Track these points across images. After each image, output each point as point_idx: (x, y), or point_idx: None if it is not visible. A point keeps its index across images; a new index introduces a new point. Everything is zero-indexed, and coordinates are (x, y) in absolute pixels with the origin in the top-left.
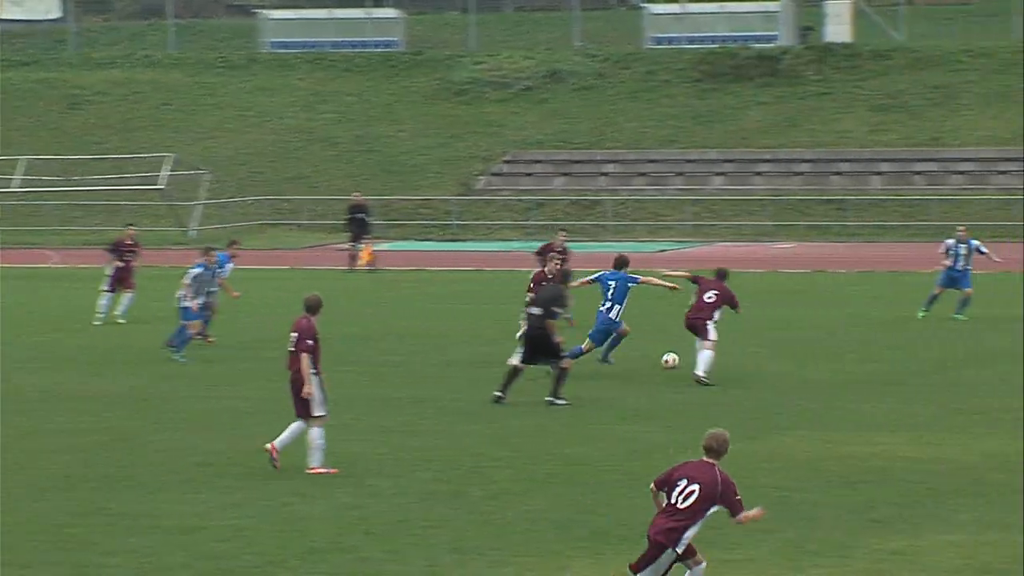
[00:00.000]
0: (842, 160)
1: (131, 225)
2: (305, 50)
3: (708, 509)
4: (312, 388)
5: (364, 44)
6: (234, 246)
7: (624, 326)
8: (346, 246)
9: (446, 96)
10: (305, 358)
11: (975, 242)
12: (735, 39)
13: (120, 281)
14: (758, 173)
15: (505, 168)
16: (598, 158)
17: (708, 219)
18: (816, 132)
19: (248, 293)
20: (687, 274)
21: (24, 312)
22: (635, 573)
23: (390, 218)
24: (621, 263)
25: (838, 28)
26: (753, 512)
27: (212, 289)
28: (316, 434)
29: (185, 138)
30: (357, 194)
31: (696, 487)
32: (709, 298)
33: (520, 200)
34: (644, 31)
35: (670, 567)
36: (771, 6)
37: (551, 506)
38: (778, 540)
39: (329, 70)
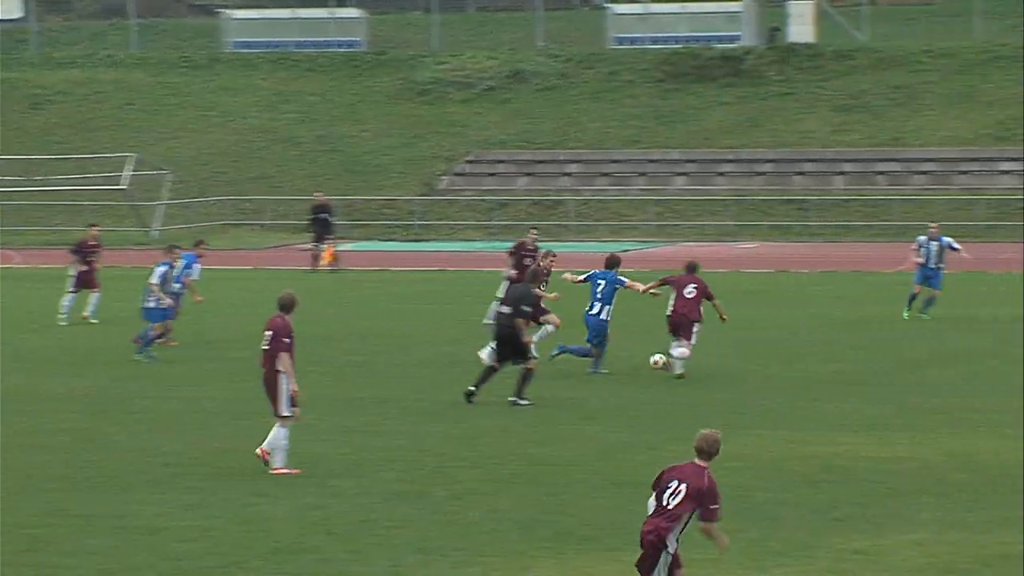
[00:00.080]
0: (805, 160)
1: (94, 225)
2: (268, 50)
3: (693, 510)
4: (295, 386)
5: (327, 44)
6: (201, 246)
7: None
8: (309, 246)
9: (409, 96)
10: (285, 356)
11: (946, 239)
12: (698, 39)
13: (85, 283)
14: (721, 173)
15: (468, 168)
16: (561, 158)
17: (671, 219)
18: (779, 132)
19: (211, 293)
20: (658, 283)
21: None
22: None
23: (353, 218)
24: (612, 263)
25: (801, 28)
26: (720, 534)
27: (176, 288)
28: (280, 434)
29: (147, 138)
30: (320, 194)
31: (684, 487)
32: (690, 293)
33: (483, 200)
34: (607, 31)
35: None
36: (734, 6)
37: (515, 506)
38: (742, 540)
39: (292, 70)
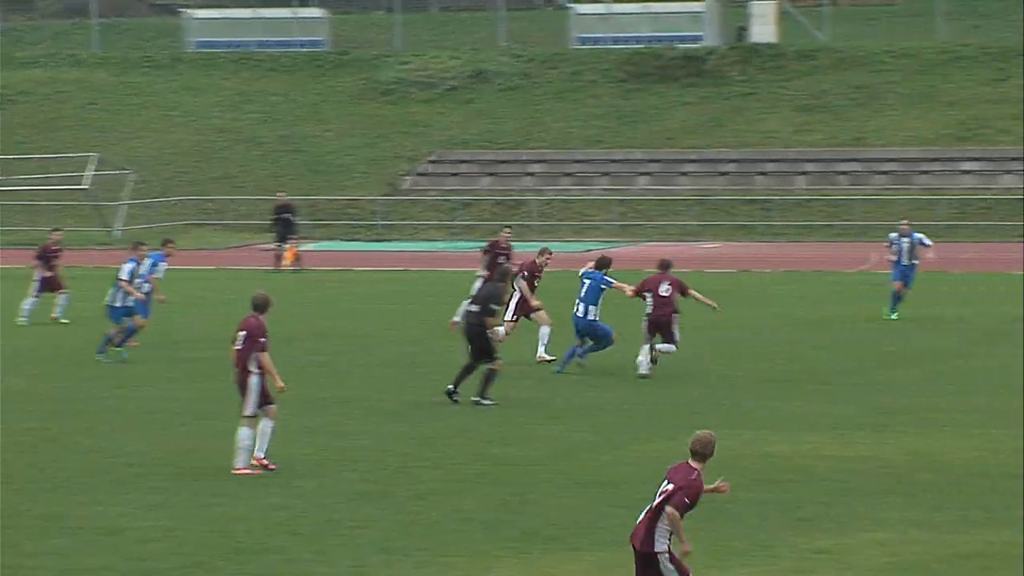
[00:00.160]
0: (767, 160)
1: (57, 230)
2: (230, 50)
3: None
4: (281, 383)
5: (290, 44)
6: (169, 245)
7: (614, 334)
8: (272, 246)
9: (372, 96)
10: (266, 356)
11: (918, 235)
12: (660, 39)
13: (49, 287)
14: (683, 173)
15: (431, 168)
16: (524, 158)
17: (634, 219)
18: (741, 132)
19: (173, 293)
20: (636, 291)
21: None
22: None
23: (316, 218)
24: (601, 264)
25: (763, 29)
26: (682, 533)
27: (145, 288)
28: (245, 435)
29: (110, 138)
30: (282, 194)
31: (671, 486)
32: (665, 291)
33: (446, 200)
34: (570, 31)
35: (680, 567)
36: (696, 7)
37: (479, 506)
38: (704, 539)
39: (255, 70)
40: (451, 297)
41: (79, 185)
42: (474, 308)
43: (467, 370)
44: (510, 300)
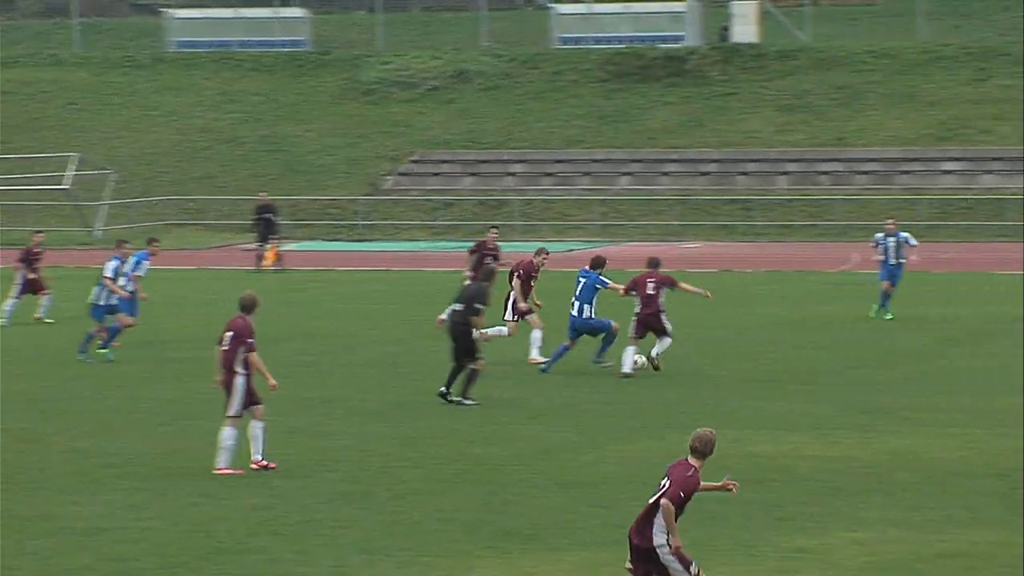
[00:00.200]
0: (748, 160)
1: (40, 232)
2: (212, 49)
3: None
4: (274, 381)
5: (271, 44)
6: (154, 244)
7: (614, 324)
8: (253, 246)
9: (353, 96)
10: (255, 356)
11: (904, 234)
12: (642, 39)
13: (32, 289)
14: (665, 173)
15: (413, 168)
16: (505, 158)
17: (615, 219)
18: (722, 132)
19: (155, 293)
20: (626, 287)
21: None
22: None
23: (297, 218)
24: (595, 263)
25: (744, 29)
26: (674, 527)
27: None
28: (228, 434)
29: (91, 138)
30: (264, 194)
31: (668, 482)
32: (651, 290)
33: (428, 200)
34: (551, 31)
35: (682, 559)
36: (678, 7)
37: (460, 506)
38: (686, 539)
39: (236, 70)
40: (433, 297)
41: (60, 185)
42: (459, 307)
43: (457, 370)
44: (508, 300)
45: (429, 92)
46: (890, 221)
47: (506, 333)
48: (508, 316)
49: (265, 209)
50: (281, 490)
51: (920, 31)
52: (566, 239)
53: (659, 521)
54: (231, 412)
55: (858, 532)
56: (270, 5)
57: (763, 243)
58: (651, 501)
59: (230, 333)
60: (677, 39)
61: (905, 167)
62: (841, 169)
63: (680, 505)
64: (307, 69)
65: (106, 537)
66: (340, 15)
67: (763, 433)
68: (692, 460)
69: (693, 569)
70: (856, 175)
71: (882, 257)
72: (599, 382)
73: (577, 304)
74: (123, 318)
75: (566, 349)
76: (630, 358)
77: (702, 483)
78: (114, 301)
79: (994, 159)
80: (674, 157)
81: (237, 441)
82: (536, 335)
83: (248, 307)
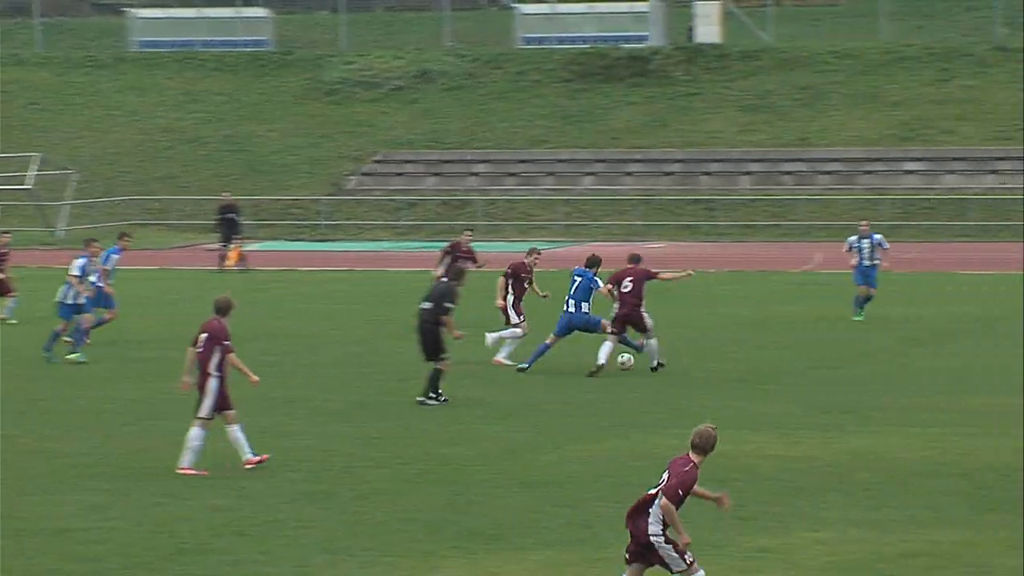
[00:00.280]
0: (711, 160)
1: (6, 232)
2: (174, 49)
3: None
4: (255, 377)
5: (234, 43)
6: (125, 238)
7: (603, 321)
8: (216, 246)
9: (316, 96)
10: (234, 356)
11: (877, 236)
12: (605, 39)
13: (0, 291)
14: (628, 173)
15: (376, 168)
16: (468, 158)
17: (579, 219)
18: (686, 132)
19: (118, 293)
20: (610, 287)
21: None
22: None
23: (260, 218)
24: (591, 263)
25: (707, 29)
26: (679, 524)
27: (101, 284)
28: (195, 435)
29: (53, 137)
30: (227, 194)
31: (667, 475)
32: (626, 287)
33: (391, 200)
34: (515, 31)
35: (675, 548)
36: (641, 7)
37: (423, 506)
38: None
39: (198, 69)
40: (396, 297)
41: (22, 185)
42: (427, 306)
43: (437, 375)
44: (509, 303)
45: (392, 92)
46: (864, 223)
47: (520, 334)
48: (515, 318)
49: (228, 209)
50: (244, 490)
51: (883, 31)
52: (530, 239)
53: (655, 512)
54: (202, 414)
55: (820, 532)
56: (233, 5)
57: (726, 243)
58: (650, 492)
59: (205, 335)
60: (641, 39)
61: (868, 167)
62: (804, 169)
63: (679, 502)
64: (270, 69)
65: (70, 537)
66: (303, 15)
67: (725, 433)
68: (693, 456)
69: (688, 558)
70: (819, 175)
71: (856, 260)
72: (563, 382)
73: (573, 302)
74: (88, 318)
75: (547, 347)
76: (606, 351)
77: (698, 488)
78: (81, 300)
79: (956, 159)
80: (638, 157)
81: (204, 442)
82: (517, 332)
83: (223, 309)
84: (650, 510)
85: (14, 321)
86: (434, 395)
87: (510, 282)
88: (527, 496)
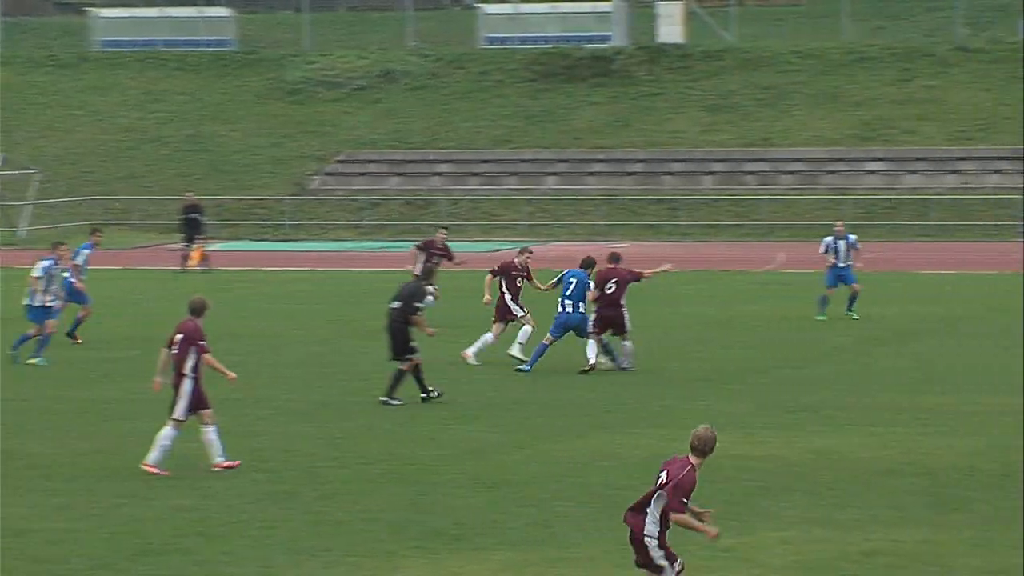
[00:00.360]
0: (674, 160)
1: None
2: (137, 49)
3: (663, 496)
4: (232, 374)
5: (196, 43)
6: (96, 234)
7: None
8: (178, 246)
9: (279, 96)
10: (209, 356)
11: (852, 237)
12: (568, 39)
13: None
14: (591, 173)
15: (339, 168)
16: (432, 158)
17: (542, 219)
18: (649, 132)
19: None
20: (594, 293)
21: None
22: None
23: (223, 218)
24: (585, 264)
25: (670, 29)
26: (700, 525)
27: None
28: (166, 434)
29: (14, 137)
30: (190, 194)
31: (665, 475)
32: (610, 288)
33: (354, 200)
34: (478, 31)
35: (665, 550)
36: (604, 7)
37: (386, 506)
38: (611, 539)
39: (161, 69)
40: (359, 297)
41: None
42: (396, 305)
43: (416, 370)
44: (506, 301)
45: (355, 92)
46: (839, 223)
47: (530, 331)
48: (519, 312)
49: (191, 209)
50: (207, 491)
51: (845, 31)
52: (493, 239)
53: (652, 512)
54: (177, 415)
55: (784, 531)
56: (195, 4)
57: (689, 243)
58: (648, 492)
59: (180, 336)
60: (603, 39)
61: (830, 167)
62: (766, 169)
63: (685, 508)
64: (232, 69)
65: (32, 538)
66: (266, 15)
67: (688, 432)
68: (692, 458)
69: (676, 566)
70: (781, 175)
71: (833, 260)
72: (526, 381)
73: (570, 303)
74: (53, 324)
75: (545, 347)
76: (592, 350)
77: (684, 518)
78: (49, 302)
79: (918, 159)
80: (600, 157)
81: (173, 444)
82: (488, 337)
83: (198, 310)
84: (648, 509)
85: None
86: (426, 393)
87: (501, 280)
88: (490, 496)
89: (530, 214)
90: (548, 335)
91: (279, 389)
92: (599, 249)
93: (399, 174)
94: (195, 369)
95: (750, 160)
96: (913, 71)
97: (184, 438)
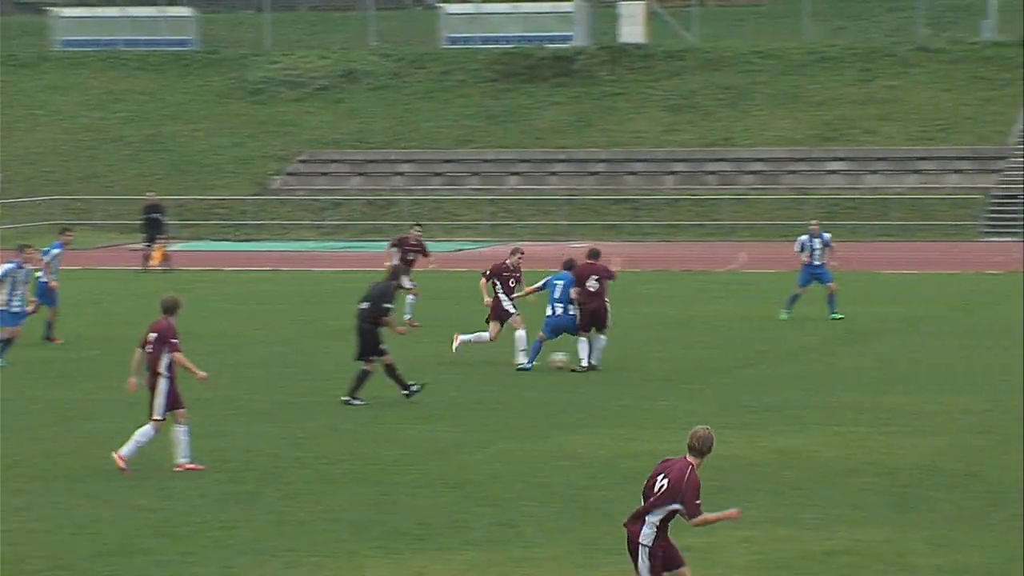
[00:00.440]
0: (636, 160)
1: None
2: (98, 48)
3: (670, 504)
4: (202, 373)
5: (157, 43)
6: (67, 234)
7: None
8: (140, 246)
9: (241, 95)
10: (180, 356)
11: (827, 235)
12: (530, 39)
13: None
14: (553, 173)
15: (301, 168)
16: (394, 158)
17: (504, 219)
18: (610, 132)
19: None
20: (577, 290)
21: None
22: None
23: (184, 218)
24: (568, 265)
25: (631, 29)
26: (719, 514)
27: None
28: (144, 431)
29: None
30: (152, 194)
31: (667, 481)
32: (592, 286)
33: (316, 200)
34: (439, 31)
35: (655, 565)
36: (565, 7)
37: (348, 506)
38: (574, 538)
39: (122, 69)
40: (321, 297)
41: None
42: (364, 305)
43: (390, 370)
44: (497, 302)
45: (317, 92)
46: (813, 222)
47: (523, 334)
48: (511, 308)
49: (152, 209)
50: (169, 491)
51: (806, 32)
52: (455, 239)
53: (651, 521)
54: (156, 416)
55: (745, 530)
56: (156, 4)
57: (651, 243)
58: (650, 501)
59: (154, 334)
60: (565, 39)
61: (791, 167)
62: (728, 169)
63: (700, 507)
64: (194, 68)
65: None
66: (227, 14)
67: (650, 432)
68: (691, 458)
69: None
70: (743, 175)
71: (807, 259)
72: (487, 382)
73: (560, 306)
74: (10, 330)
75: (541, 343)
76: (585, 349)
77: (704, 519)
78: (15, 308)
79: (879, 159)
80: (562, 157)
81: (149, 442)
82: (485, 336)
83: (171, 308)
84: (647, 518)
85: None
86: (407, 390)
87: (495, 282)
88: (452, 496)
89: (492, 214)
90: (541, 333)
91: (241, 389)
92: (561, 249)
93: (361, 174)
94: (170, 368)
95: (711, 160)
96: (874, 71)
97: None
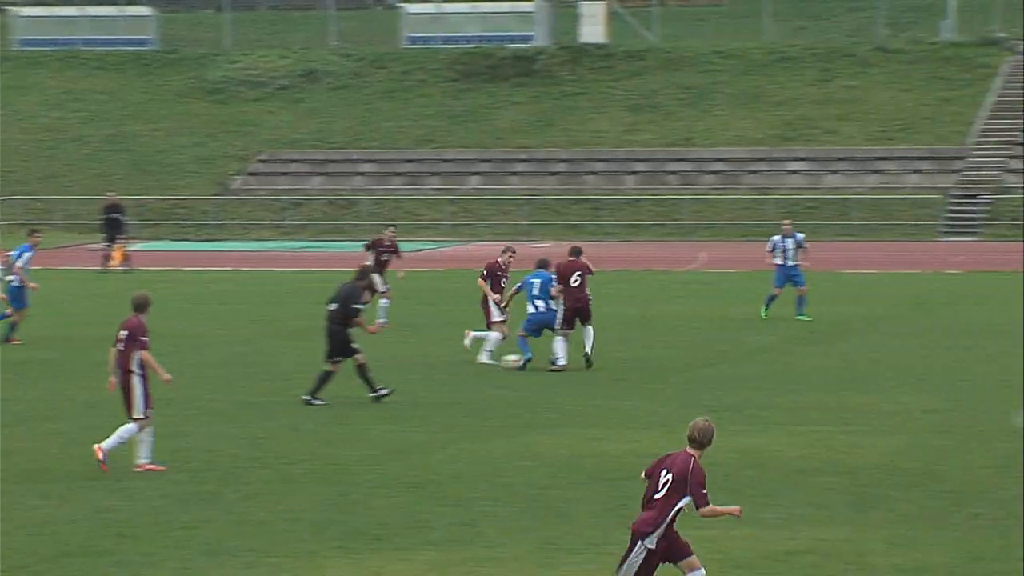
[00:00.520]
0: (597, 160)
1: None
2: (57, 48)
3: (679, 500)
4: (167, 375)
5: (117, 42)
6: (35, 235)
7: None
8: (100, 246)
9: (200, 95)
10: (147, 354)
11: (800, 235)
12: (491, 39)
13: None
14: (514, 173)
15: (261, 168)
16: (354, 158)
17: (465, 218)
18: (571, 132)
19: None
20: (559, 287)
21: None
22: (616, 571)
23: (144, 218)
24: (542, 264)
25: (592, 29)
26: (724, 508)
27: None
28: (127, 428)
29: None
30: (112, 194)
31: (670, 476)
32: (575, 282)
33: (276, 200)
34: (400, 31)
35: (648, 567)
36: (526, 7)
37: (308, 506)
38: (535, 538)
39: (81, 68)
40: (282, 297)
41: None
42: (333, 307)
43: (362, 371)
44: (484, 304)
45: (277, 91)
46: (786, 222)
47: (498, 338)
48: (496, 317)
49: (112, 209)
50: (129, 491)
51: (766, 32)
52: (416, 239)
53: (663, 520)
54: (136, 415)
55: (706, 530)
56: (115, 4)
57: (612, 242)
58: (659, 498)
59: (125, 332)
60: (526, 39)
61: (752, 167)
62: (689, 169)
63: (707, 497)
64: (154, 68)
65: None
66: (187, 14)
67: (612, 432)
68: (691, 450)
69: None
70: (704, 175)
71: (780, 261)
72: (448, 381)
73: (541, 302)
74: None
75: (524, 339)
76: (562, 349)
77: (711, 510)
78: None
79: (839, 159)
80: (523, 157)
81: (130, 439)
82: (494, 336)
83: (141, 306)
84: (658, 520)
85: None
86: (375, 392)
87: (490, 282)
88: (413, 496)
89: (453, 214)
90: (522, 330)
91: (202, 389)
92: (522, 249)
93: (322, 174)
94: (142, 365)
95: (672, 160)
96: (834, 71)
97: (101, 439)
